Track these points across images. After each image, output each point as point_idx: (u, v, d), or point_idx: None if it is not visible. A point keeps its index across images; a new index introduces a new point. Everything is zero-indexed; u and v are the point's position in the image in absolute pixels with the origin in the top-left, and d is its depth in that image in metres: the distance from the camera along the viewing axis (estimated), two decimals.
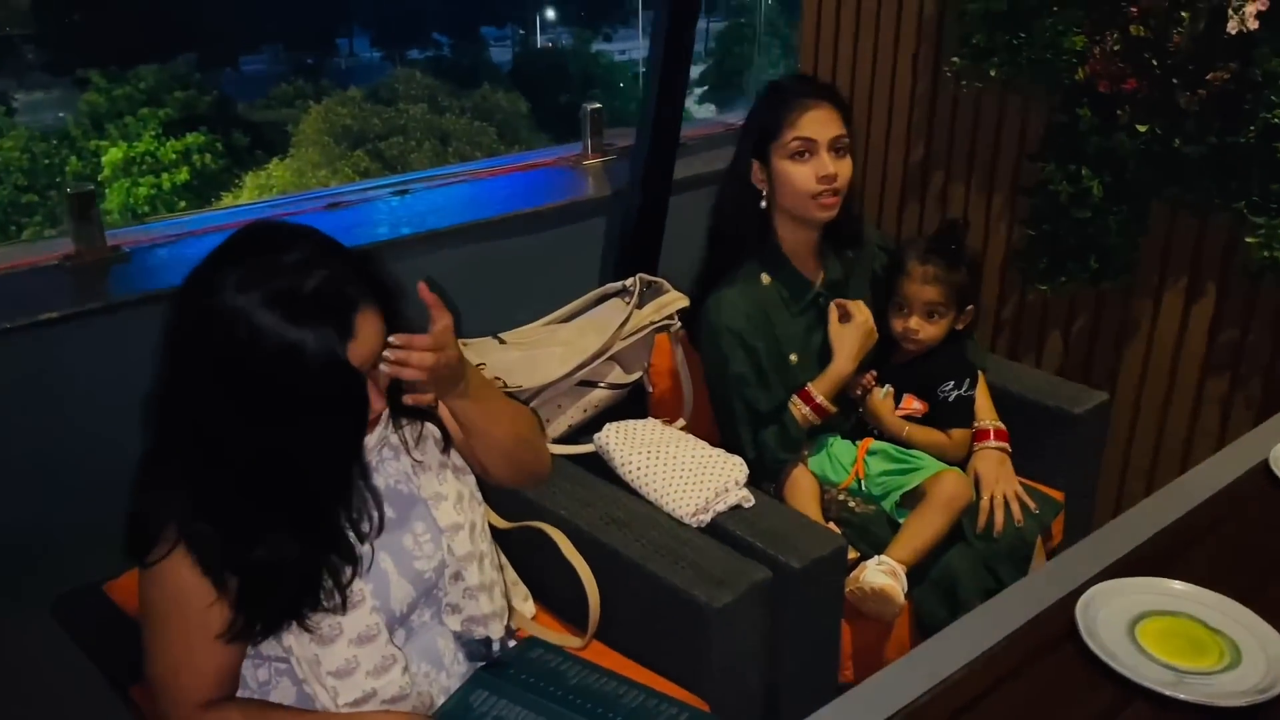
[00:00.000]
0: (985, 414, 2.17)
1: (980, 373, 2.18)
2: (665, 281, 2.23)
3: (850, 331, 2.05)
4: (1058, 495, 2.31)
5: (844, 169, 1.99)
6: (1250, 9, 1.92)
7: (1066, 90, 2.30)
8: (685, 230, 2.76)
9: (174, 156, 16.55)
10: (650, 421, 2.16)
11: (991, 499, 2.07)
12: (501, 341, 2.15)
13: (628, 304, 2.19)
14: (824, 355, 2.10)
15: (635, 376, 2.22)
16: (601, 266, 2.70)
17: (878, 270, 2.20)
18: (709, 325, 2.05)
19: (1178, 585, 1.40)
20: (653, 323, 2.19)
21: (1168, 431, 2.39)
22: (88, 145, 16.66)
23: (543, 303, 2.27)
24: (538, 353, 2.12)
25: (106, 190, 15.86)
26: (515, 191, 2.80)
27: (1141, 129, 2.19)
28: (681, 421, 2.26)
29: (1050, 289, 2.43)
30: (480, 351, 2.11)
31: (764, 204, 2.05)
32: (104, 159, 16.31)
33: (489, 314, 2.25)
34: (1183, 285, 2.29)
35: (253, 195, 16.03)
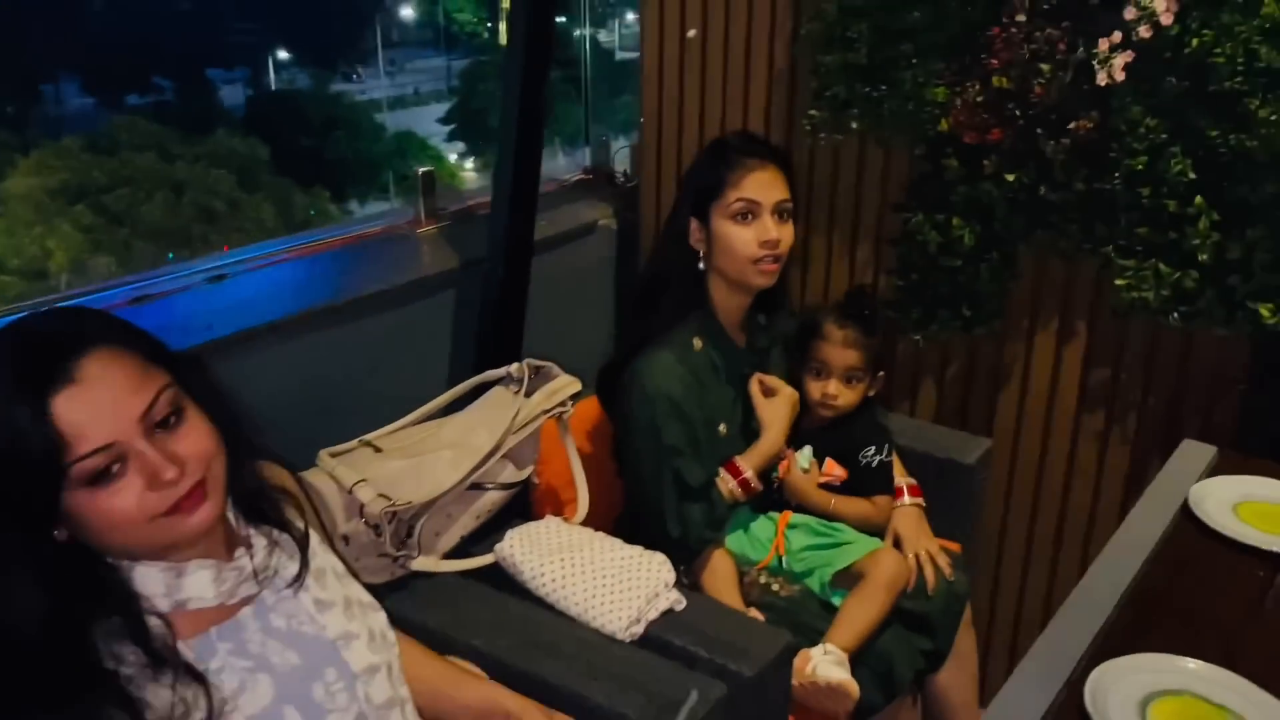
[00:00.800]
0: (896, 471, 2.11)
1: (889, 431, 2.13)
2: (553, 365, 2.03)
3: (779, 406, 1.94)
4: (955, 548, 2.29)
5: (786, 234, 1.90)
6: (1119, 61, 1.96)
7: (930, 141, 2.30)
8: (537, 298, 2.57)
9: None
10: (551, 521, 1.96)
11: (918, 557, 2.01)
12: (377, 449, 1.88)
13: (516, 394, 1.98)
14: (748, 427, 1.98)
15: (527, 472, 2.01)
16: (454, 347, 2.46)
17: (789, 334, 2.11)
18: (641, 391, 1.89)
19: (1180, 662, 1.38)
20: (544, 411, 1.99)
21: (1047, 472, 2.42)
22: None
23: (407, 394, 2.02)
24: (423, 459, 1.87)
25: None
26: (348, 268, 2.52)
27: (1009, 178, 2.21)
28: (580, 514, 2.07)
29: (923, 337, 2.42)
30: (357, 465, 1.83)
31: (700, 266, 1.93)
32: None
33: (349, 414, 1.98)
34: (1054, 328, 2.33)
35: None
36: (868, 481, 2.03)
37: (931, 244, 2.34)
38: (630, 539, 2.02)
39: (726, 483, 1.92)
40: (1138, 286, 2.13)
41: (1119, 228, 2.14)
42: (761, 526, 2.05)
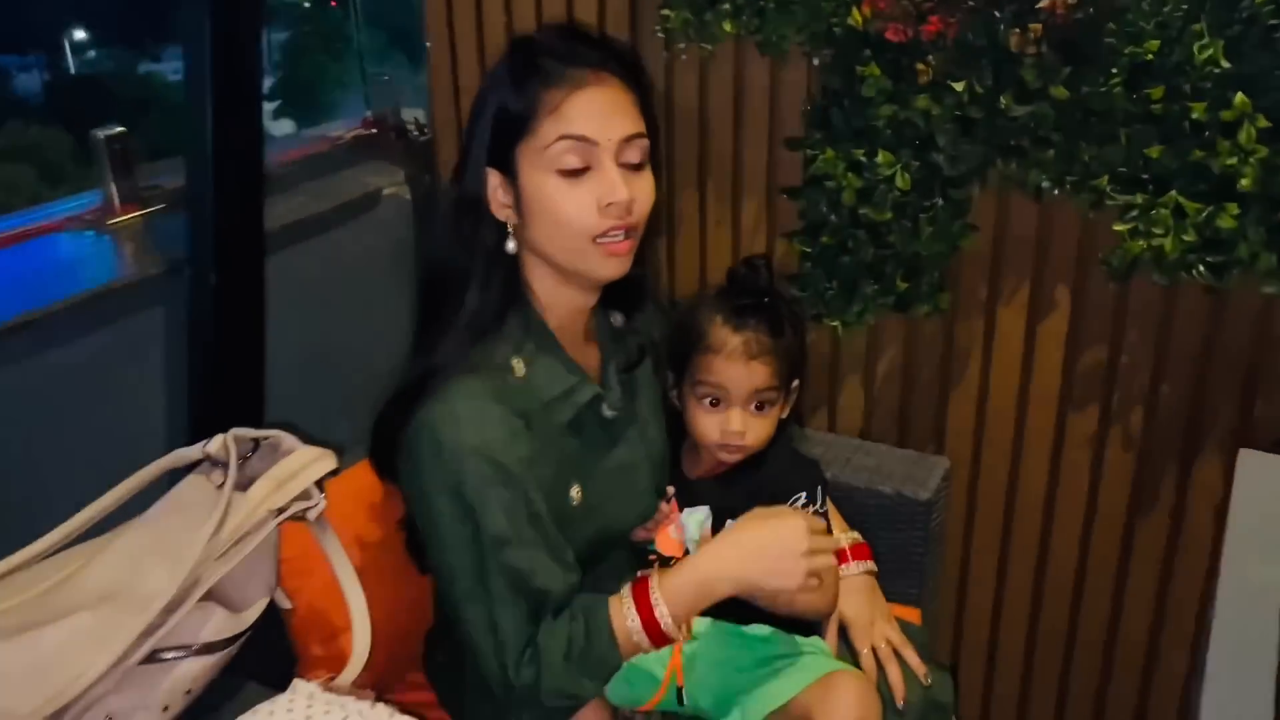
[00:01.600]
0: (832, 522, 1.44)
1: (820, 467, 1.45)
2: (282, 433, 1.25)
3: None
4: (912, 615, 1.62)
5: (642, 190, 1.18)
6: None
7: (839, 44, 1.59)
8: (293, 307, 1.77)
9: None
10: (300, 695, 1.19)
11: (877, 654, 1.38)
12: None
13: (219, 487, 1.19)
14: (627, 490, 1.30)
15: (254, 615, 1.23)
16: (163, 398, 1.65)
17: (654, 337, 1.40)
18: (435, 449, 1.15)
19: None
20: (275, 512, 1.21)
21: (1021, 497, 1.77)
22: None
23: (70, 487, 1.24)
24: (46, 633, 1.07)
25: None
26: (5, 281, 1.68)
27: (955, 87, 1.52)
28: (355, 667, 1.31)
29: (842, 323, 1.73)
30: None
31: (511, 245, 1.19)
32: None
33: None
34: (1023, 299, 1.66)
35: None
36: None
37: (847, 191, 1.64)
38: (451, 673, 1.35)
39: (623, 615, 1.18)
40: (1146, 232, 1.48)
41: (1117, 149, 1.47)
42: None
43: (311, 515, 1.25)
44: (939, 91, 1.53)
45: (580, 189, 1.14)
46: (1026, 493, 1.76)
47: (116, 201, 1.83)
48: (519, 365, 1.21)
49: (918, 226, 1.63)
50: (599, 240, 1.15)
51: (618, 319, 1.36)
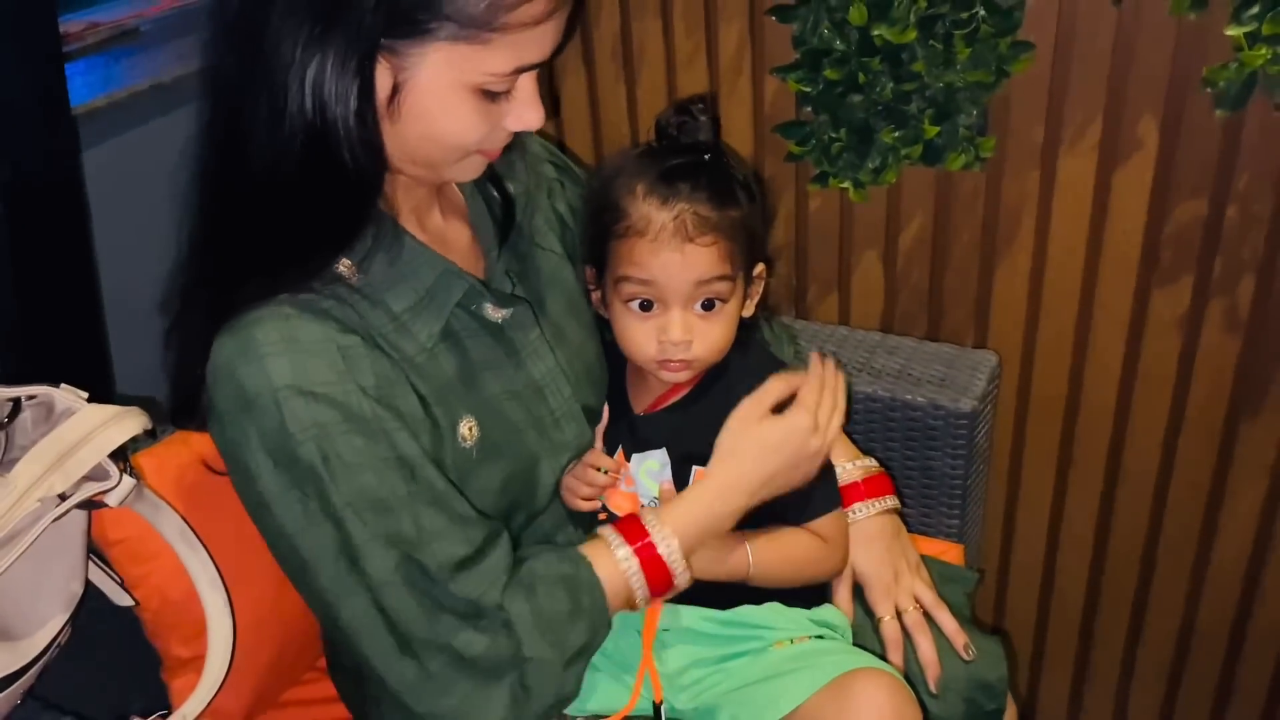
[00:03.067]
0: (836, 449, 1.07)
1: None
2: (56, 389, 0.88)
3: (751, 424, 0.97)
4: (953, 553, 1.29)
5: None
6: None
7: None
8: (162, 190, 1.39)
9: None
10: None
11: (903, 621, 1.07)
12: None
13: None
14: (540, 419, 0.96)
15: (50, 634, 0.89)
16: None
17: (560, 209, 1.07)
18: (236, 399, 0.80)
19: None
20: (54, 499, 0.86)
21: (1087, 399, 1.39)
22: None
23: None
24: None
25: None
26: None
27: None
28: (209, 688, 0.99)
29: (853, 185, 1.33)
30: None
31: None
32: None
33: None
34: (1093, 139, 1.25)
35: None
36: (792, 493, 0.98)
37: (855, 6, 1.22)
38: (355, 678, 1.03)
39: (606, 558, 0.90)
40: (1272, 36, 1.06)
41: None
42: (614, 641, 0.99)
43: (112, 499, 0.90)
44: None
45: (492, 110, 0.83)
46: (1094, 394, 1.38)
47: None
48: (348, 269, 0.84)
49: (951, 49, 1.21)
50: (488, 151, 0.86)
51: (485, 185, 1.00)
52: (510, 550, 0.87)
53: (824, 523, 1.01)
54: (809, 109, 1.33)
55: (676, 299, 0.94)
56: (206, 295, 0.83)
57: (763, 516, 0.99)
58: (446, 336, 0.88)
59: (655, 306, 0.95)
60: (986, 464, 1.35)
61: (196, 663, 1.08)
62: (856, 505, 1.07)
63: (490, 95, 0.81)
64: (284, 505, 0.81)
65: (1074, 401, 1.40)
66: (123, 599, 1.05)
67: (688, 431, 0.98)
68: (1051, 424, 1.42)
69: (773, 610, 0.99)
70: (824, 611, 1.04)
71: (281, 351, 0.78)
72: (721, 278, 0.95)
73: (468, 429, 0.89)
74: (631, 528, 0.91)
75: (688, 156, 0.95)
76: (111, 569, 1.04)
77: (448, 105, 0.80)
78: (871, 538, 1.07)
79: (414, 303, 0.86)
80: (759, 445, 0.94)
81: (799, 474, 0.96)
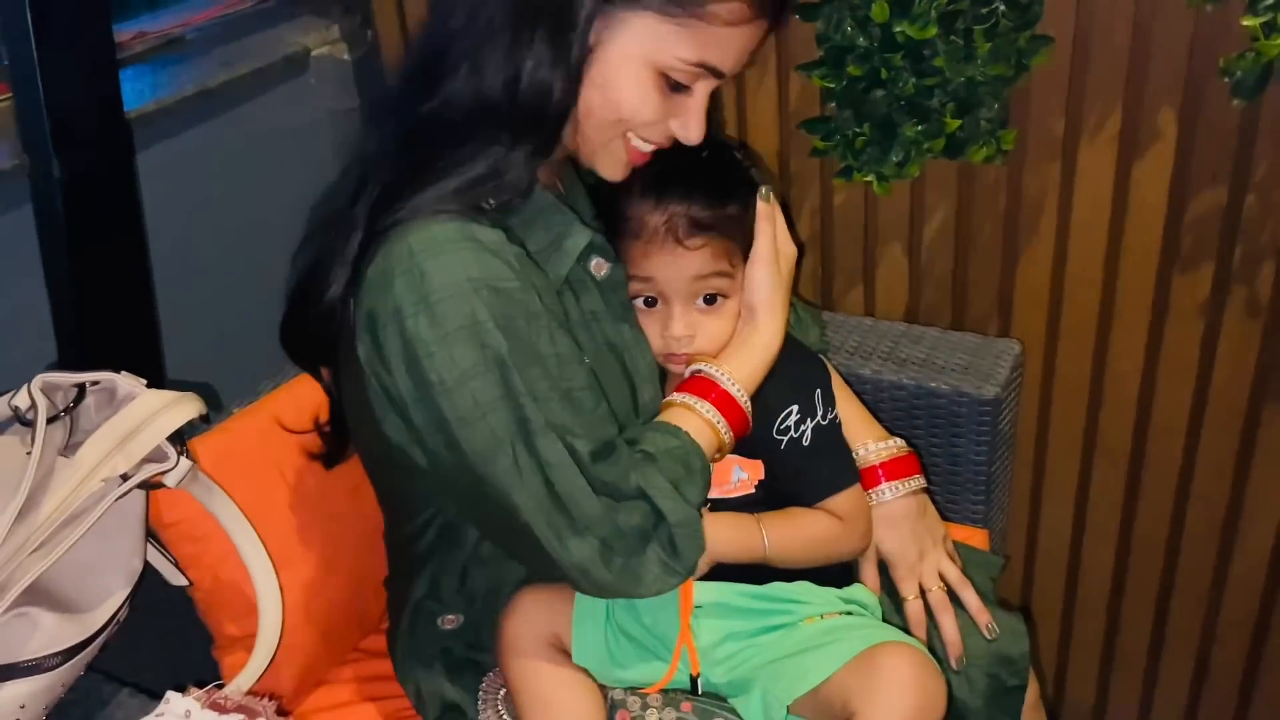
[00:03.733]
0: (860, 431, 1.11)
1: (825, 362, 1.12)
2: (117, 375, 0.94)
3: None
4: (979, 538, 1.32)
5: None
6: None
7: None
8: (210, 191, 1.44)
9: None
10: (174, 707, 0.91)
11: (927, 599, 1.09)
12: None
13: (28, 452, 0.89)
14: (621, 377, 1.01)
15: (112, 608, 0.94)
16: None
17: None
18: (416, 291, 0.85)
19: None
20: (119, 479, 0.91)
21: (1110, 386, 1.42)
22: None
23: None
24: None
25: None
26: None
27: None
28: (260, 662, 1.04)
29: (877, 178, 1.36)
30: None
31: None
32: None
33: None
34: (1113, 131, 1.27)
35: None
36: (806, 472, 1.02)
37: (877, 4, 1.25)
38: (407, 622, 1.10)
39: (691, 416, 0.97)
40: None
41: None
42: (650, 615, 1.03)
43: (170, 480, 0.95)
44: None
45: (672, 104, 0.93)
46: (1117, 381, 1.40)
47: None
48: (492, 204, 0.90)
49: (972, 44, 1.24)
50: (634, 145, 0.95)
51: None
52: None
53: (839, 501, 1.04)
54: (833, 105, 1.36)
55: (677, 296, 0.98)
56: (367, 212, 0.88)
57: (778, 498, 1.02)
58: (567, 282, 0.95)
59: (659, 302, 1.00)
60: (1011, 451, 1.37)
61: (247, 640, 1.13)
62: (883, 486, 1.10)
63: (670, 84, 0.90)
64: (466, 391, 0.84)
65: (1098, 389, 1.42)
66: (177, 578, 1.10)
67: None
68: (1076, 411, 1.44)
69: (804, 587, 1.02)
70: (854, 590, 1.07)
71: (467, 248, 0.84)
72: (719, 274, 0.98)
73: (589, 364, 0.94)
74: (700, 385, 0.97)
75: (684, 155, 0.97)
76: (166, 549, 1.09)
77: (632, 76, 0.89)
78: (896, 518, 1.10)
79: (545, 245, 0.93)
80: (783, 291, 1.02)
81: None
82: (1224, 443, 1.37)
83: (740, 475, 1.04)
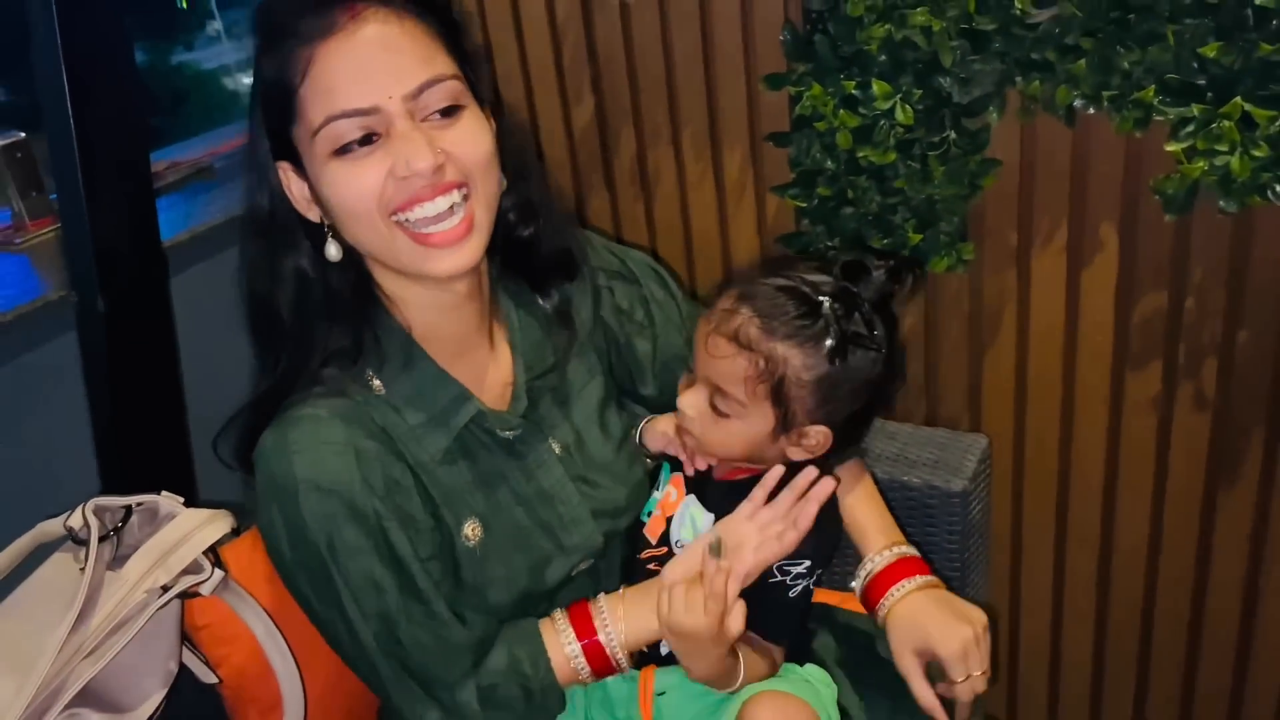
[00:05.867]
0: (880, 529, 1.13)
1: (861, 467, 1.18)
2: (160, 497, 1.05)
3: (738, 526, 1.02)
4: None
5: (459, 140, 0.91)
6: None
7: None
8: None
9: None
10: None
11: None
12: None
13: (81, 568, 0.99)
14: (550, 524, 1.07)
15: (151, 707, 1.04)
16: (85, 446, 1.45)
17: (604, 314, 1.17)
18: (269, 486, 0.95)
19: None
20: (160, 591, 1.01)
21: (1076, 475, 1.51)
22: None
23: None
24: None
25: None
26: None
27: None
28: None
29: None
30: None
31: (333, 249, 0.96)
32: None
33: None
34: (1061, 242, 1.39)
35: None
36: (767, 609, 1.03)
37: (841, 132, 1.38)
38: None
39: (558, 646, 1.01)
40: (1208, 150, 1.20)
41: (1164, 51, 1.19)
42: (616, 693, 1.11)
43: (205, 589, 1.06)
44: (939, 3, 1.26)
45: (366, 166, 0.89)
46: (1082, 470, 1.50)
47: (26, 218, 1.65)
48: (376, 382, 0.99)
49: (928, 167, 1.37)
50: (417, 229, 0.91)
51: (551, 302, 1.11)
52: (481, 650, 0.98)
53: (773, 648, 1.05)
54: (806, 221, 1.49)
55: (701, 377, 1.02)
56: (261, 397, 0.98)
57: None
58: (460, 447, 1.01)
59: (689, 374, 1.04)
60: (985, 539, 1.46)
61: None
62: (916, 579, 1.08)
63: (359, 148, 0.88)
64: (299, 579, 0.97)
65: (1065, 478, 1.51)
66: (208, 676, 1.19)
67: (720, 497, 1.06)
68: (1046, 500, 1.53)
69: None
70: (809, 670, 1.12)
71: (307, 448, 0.93)
72: (736, 400, 0.99)
73: (471, 530, 1.02)
74: (585, 628, 1.01)
75: (793, 284, 0.98)
76: (198, 650, 1.19)
77: (327, 181, 0.89)
78: (929, 606, 1.06)
79: (425, 419, 0.99)
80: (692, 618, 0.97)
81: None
82: (1185, 528, 1.46)
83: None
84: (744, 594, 0.99)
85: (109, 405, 1.27)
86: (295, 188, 0.94)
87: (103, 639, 0.98)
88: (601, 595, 1.05)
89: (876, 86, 1.33)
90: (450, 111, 0.91)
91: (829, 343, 0.96)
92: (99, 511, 1.00)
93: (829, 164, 1.43)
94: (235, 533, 1.10)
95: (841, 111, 1.37)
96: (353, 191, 0.89)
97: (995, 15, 1.24)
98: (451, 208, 0.91)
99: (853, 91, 1.35)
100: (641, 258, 1.22)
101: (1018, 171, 1.37)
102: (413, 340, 1.00)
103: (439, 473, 1.00)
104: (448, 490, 1.00)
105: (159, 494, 1.05)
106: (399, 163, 0.88)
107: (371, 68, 0.87)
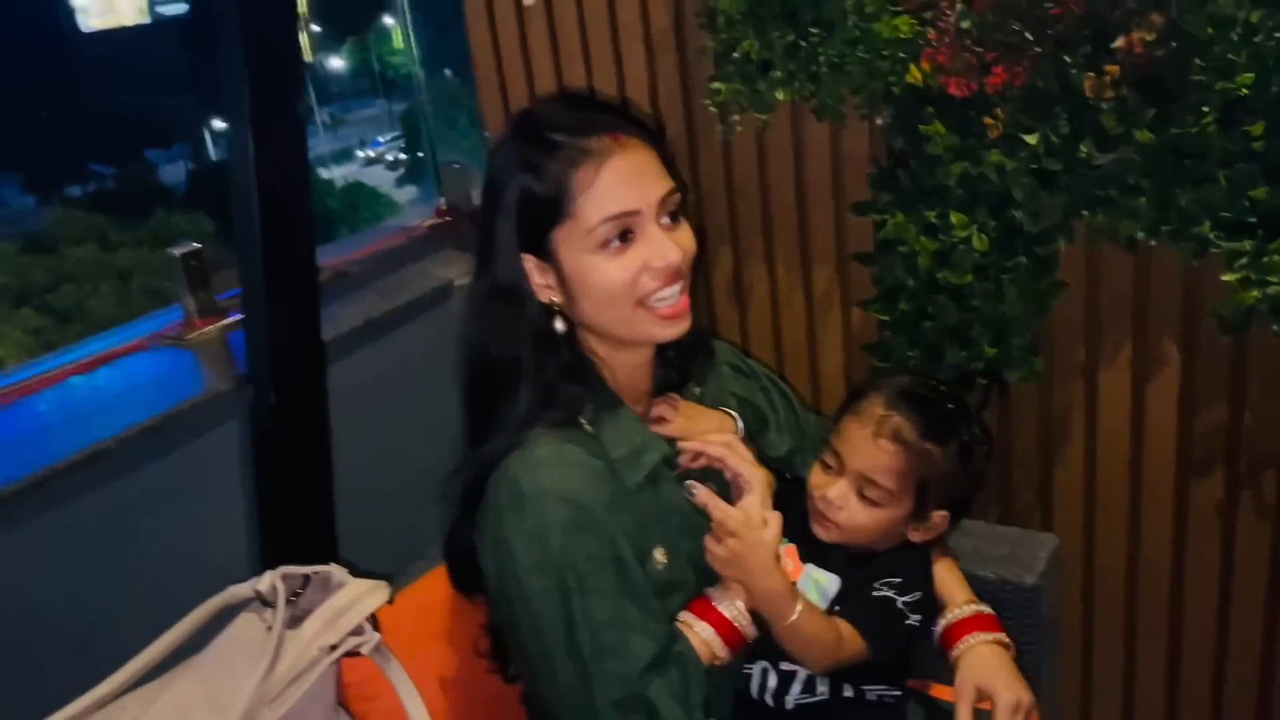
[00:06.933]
0: (964, 589, 1.30)
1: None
2: (333, 568, 1.22)
3: (752, 513, 1.16)
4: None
5: (684, 240, 1.14)
6: None
7: (899, 102, 1.49)
8: (364, 410, 1.76)
9: None
10: None
11: None
12: None
13: (269, 628, 1.16)
14: (696, 553, 1.19)
15: None
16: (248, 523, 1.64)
17: (734, 390, 1.34)
18: (513, 499, 1.11)
19: None
20: (329, 648, 1.17)
21: (1144, 574, 1.61)
22: None
23: (148, 614, 1.24)
24: None
25: None
26: (86, 408, 1.71)
27: (1029, 140, 1.40)
28: None
29: None
30: None
31: (560, 324, 1.15)
32: None
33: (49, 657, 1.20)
34: (1126, 358, 1.52)
35: None
36: (867, 610, 1.20)
37: (922, 255, 1.53)
38: None
39: (694, 630, 1.15)
40: (1260, 280, 1.33)
41: (1217, 191, 1.33)
42: None
43: (365, 650, 1.21)
44: (1012, 145, 1.42)
45: (627, 259, 1.10)
46: (1149, 569, 1.60)
47: (195, 316, 1.87)
48: (585, 425, 1.16)
49: (1001, 288, 1.51)
50: (654, 306, 1.12)
51: (694, 391, 1.28)
52: (667, 645, 1.11)
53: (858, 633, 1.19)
54: (888, 333, 1.64)
55: (849, 470, 1.18)
56: (483, 449, 1.14)
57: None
58: (650, 479, 1.17)
59: (835, 468, 1.20)
60: (1056, 633, 1.56)
61: None
62: (980, 634, 1.24)
63: (619, 247, 1.08)
64: (531, 583, 1.09)
65: (1132, 577, 1.61)
66: None
67: (857, 577, 1.21)
68: (1115, 598, 1.63)
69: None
70: None
71: (553, 464, 1.09)
72: (885, 490, 1.16)
73: (661, 555, 1.16)
74: (707, 611, 1.15)
75: (933, 395, 1.20)
76: (345, 706, 1.34)
77: (589, 270, 1.09)
78: (990, 660, 1.22)
79: (625, 455, 1.15)
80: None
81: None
82: (1250, 624, 1.54)
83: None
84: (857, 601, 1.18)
85: (273, 486, 1.46)
86: (538, 275, 1.13)
87: (284, 688, 1.14)
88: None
89: (954, 217, 1.49)
90: (675, 216, 1.13)
91: (962, 442, 1.18)
92: (285, 578, 1.17)
93: (910, 282, 1.58)
94: (390, 602, 1.26)
95: (922, 238, 1.53)
96: (610, 280, 1.10)
97: (1062, 157, 1.40)
98: (679, 289, 1.13)
99: (933, 220, 1.51)
100: (757, 364, 1.40)
101: (1084, 292, 1.51)
102: (612, 391, 1.18)
103: (635, 499, 1.15)
104: (642, 518, 1.15)
105: (330, 565, 1.21)
106: (655, 256, 1.09)
107: (637, 179, 1.09)
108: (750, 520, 1.14)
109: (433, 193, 2.35)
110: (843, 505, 1.19)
